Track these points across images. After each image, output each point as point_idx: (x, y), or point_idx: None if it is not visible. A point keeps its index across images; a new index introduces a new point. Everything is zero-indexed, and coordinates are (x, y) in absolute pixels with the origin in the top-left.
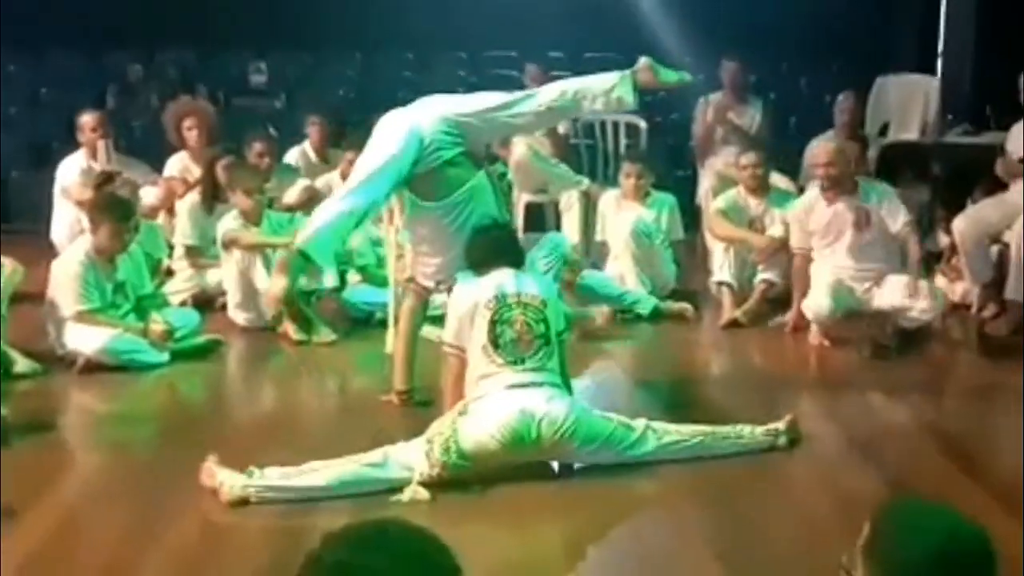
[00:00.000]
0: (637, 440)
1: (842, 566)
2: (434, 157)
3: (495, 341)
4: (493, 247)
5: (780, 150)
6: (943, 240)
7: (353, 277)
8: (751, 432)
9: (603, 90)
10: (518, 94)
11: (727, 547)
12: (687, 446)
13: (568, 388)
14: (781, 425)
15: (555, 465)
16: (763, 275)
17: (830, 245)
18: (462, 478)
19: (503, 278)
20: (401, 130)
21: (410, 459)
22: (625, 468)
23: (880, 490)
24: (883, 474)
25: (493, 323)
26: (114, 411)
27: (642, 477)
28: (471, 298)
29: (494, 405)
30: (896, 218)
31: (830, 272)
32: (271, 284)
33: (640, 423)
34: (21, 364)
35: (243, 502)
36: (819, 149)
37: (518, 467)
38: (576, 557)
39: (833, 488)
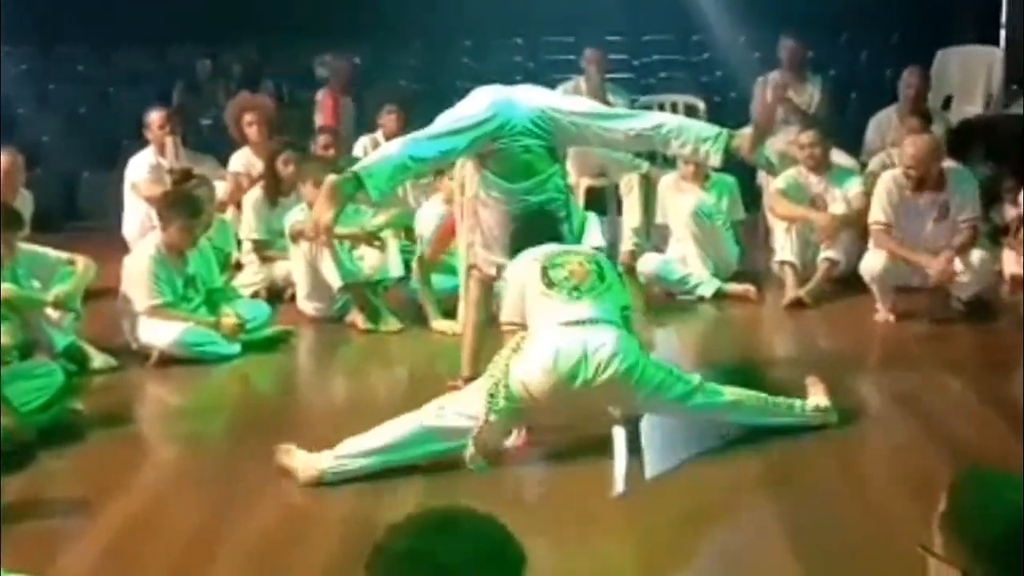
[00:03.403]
0: (690, 391)
1: (920, 544)
2: (515, 140)
3: (549, 283)
4: (537, 232)
5: (840, 127)
6: (1010, 212)
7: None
8: (801, 406)
9: (697, 138)
10: (617, 110)
11: (796, 528)
12: (740, 408)
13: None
14: (827, 402)
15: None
16: (826, 253)
17: (905, 226)
18: (514, 424)
19: (549, 247)
20: (494, 100)
21: (470, 408)
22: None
23: (948, 466)
24: (951, 450)
25: (544, 269)
26: (188, 403)
27: (709, 461)
28: (521, 269)
29: (546, 341)
30: (963, 210)
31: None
32: (318, 214)
33: (695, 377)
34: (97, 359)
35: (318, 482)
36: (909, 149)
37: (583, 447)
38: (641, 541)
39: (901, 465)
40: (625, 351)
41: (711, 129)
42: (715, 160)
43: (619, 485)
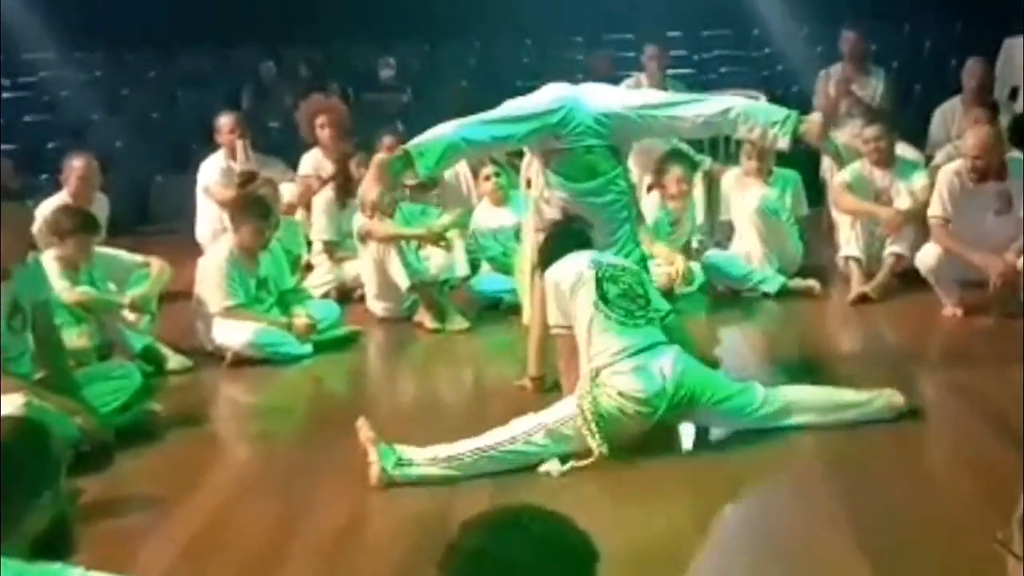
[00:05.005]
0: (743, 390)
1: (998, 540)
2: (578, 140)
3: (604, 296)
4: (576, 236)
5: (905, 119)
6: None
7: (484, 267)
8: (868, 399)
9: (766, 122)
10: (682, 96)
11: (861, 519)
12: (805, 411)
13: None
14: (886, 391)
15: (686, 438)
16: (892, 248)
17: (965, 219)
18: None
19: (589, 254)
20: (557, 96)
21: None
22: (754, 442)
23: (1015, 462)
24: (1018, 446)
25: (599, 280)
26: (262, 403)
27: (774, 451)
28: (568, 273)
29: (623, 374)
30: None
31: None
32: (366, 191)
33: (755, 385)
34: (172, 360)
35: (392, 484)
36: (971, 139)
37: (650, 443)
38: (708, 533)
39: (967, 460)
40: (688, 369)
41: (779, 112)
42: (783, 144)
43: (682, 469)
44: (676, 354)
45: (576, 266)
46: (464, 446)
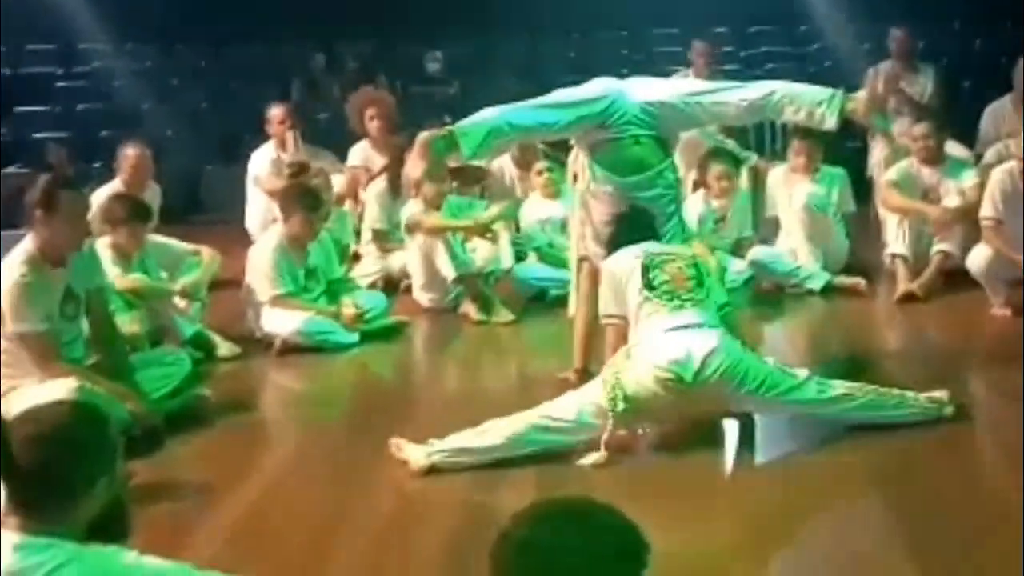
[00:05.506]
0: (798, 386)
1: None
2: (625, 130)
3: (649, 284)
4: (637, 229)
5: (954, 117)
6: None
7: (530, 258)
8: (914, 397)
9: (811, 102)
10: (726, 83)
11: (909, 522)
12: (852, 405)
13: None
14: (943, 394)
15: (730, 438)
16: (939, 246)
17: (1017, 219)
18: (632, 425)
19: (644, 245)
20: (604, 87)
21: (577, 414)
22: (800, 443)
23: None
24: None
25: (645, 268)
26: (309, 390)
27: (820, 454)
28: (623, 264)
29: (654, 347)
30: None
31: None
32: (410, 169)
33: (803, 372)
34: (222, 347)
35: (432, 470)
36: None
37: (692, 438)
38: (757, 536)
39: (1015, 461)
40: (727, 350)
41: (824, 92)
42: (830, 123)
43: (728, 469)
44: (715, 333)
45: (630, 257)
46: (498, 422)
